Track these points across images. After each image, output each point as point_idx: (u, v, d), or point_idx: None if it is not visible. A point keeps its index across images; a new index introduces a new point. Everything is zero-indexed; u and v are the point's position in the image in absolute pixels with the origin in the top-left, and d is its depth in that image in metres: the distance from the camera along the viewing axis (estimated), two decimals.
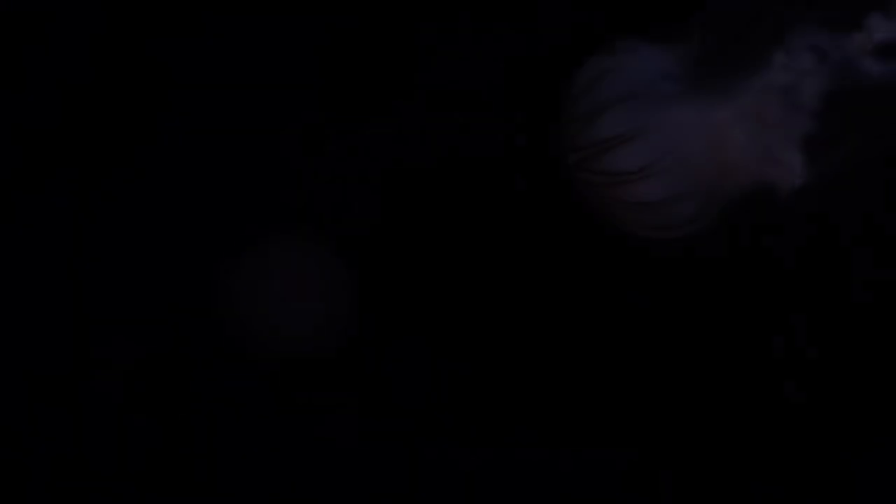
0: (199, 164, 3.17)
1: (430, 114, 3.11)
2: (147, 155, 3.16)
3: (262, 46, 3.11)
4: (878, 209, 2.86)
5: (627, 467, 3.07)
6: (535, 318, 3.10)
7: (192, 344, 3.19)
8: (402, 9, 3.04)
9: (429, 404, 3.16)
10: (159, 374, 3.19)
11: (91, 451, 3.20)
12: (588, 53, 2.09)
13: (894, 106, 1.96)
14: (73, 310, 3.19)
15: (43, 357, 3.20)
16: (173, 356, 3.18)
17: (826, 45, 1.93)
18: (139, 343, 3.19)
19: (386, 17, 3.06)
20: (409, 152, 3.13)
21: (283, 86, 3.14)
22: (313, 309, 3.14)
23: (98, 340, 3.20)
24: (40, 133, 3.16)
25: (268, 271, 3.12)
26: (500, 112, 2.78)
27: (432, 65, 3.12)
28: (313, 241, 3.15)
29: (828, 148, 2.00)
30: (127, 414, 3.17)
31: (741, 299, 2.94)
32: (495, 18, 3.03)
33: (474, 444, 3.12)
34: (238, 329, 3.12)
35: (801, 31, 1.94)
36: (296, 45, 3.10)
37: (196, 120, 3.13)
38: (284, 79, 3.14)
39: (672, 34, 2.06)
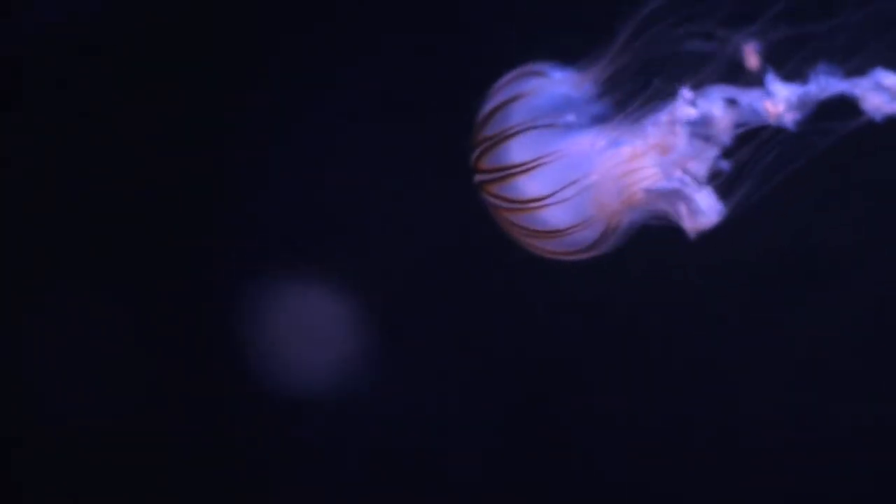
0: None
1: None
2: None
3: None
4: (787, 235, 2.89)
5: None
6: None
7: (209, 378, 3.18)
8: None
9: (438, 448, 3.15)
10: (174, 405, 3.17)
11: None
12: (503, 74, 2.09)
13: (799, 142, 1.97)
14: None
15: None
16: (189, 389, 3.17)
17: (734, 92, 1.95)
18: (156, 374, 3.18)
19: None
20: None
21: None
22: (330, 350, 3.13)
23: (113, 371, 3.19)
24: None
25: (288, 312, 3.12)
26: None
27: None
28: (334, 285, 3.15)
29: (736, 180, 2.01)
30: (137, 448, 3.16)
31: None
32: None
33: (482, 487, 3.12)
34: (255, 365, 3.11)
35: (711, 76, 1.95)
36: None
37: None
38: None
39: (587, 62, 2.06)
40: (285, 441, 3.16)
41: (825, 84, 1.91)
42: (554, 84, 2.01)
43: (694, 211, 1.95)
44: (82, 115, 3.20)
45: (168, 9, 3.16)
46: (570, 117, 1.97)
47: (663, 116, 1.94)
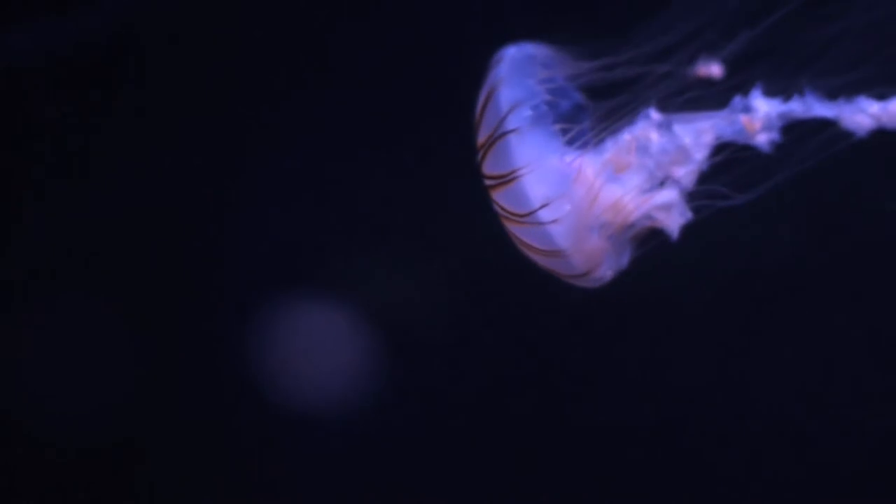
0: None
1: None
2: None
3: None
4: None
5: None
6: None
7: (220, 395, 3.19)
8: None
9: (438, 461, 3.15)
10: (177, 416, 3.17)
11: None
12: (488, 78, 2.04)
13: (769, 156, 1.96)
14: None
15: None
16: (193, 401, 3.17)
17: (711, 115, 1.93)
18: (162, 386, 3.18)
19: None
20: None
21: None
22: (337, 367, 3.13)
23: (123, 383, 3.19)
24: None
25: (297, 329, 3.12)
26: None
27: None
28: (344, 304, 3.14)
29: (732, 182, 1.99)
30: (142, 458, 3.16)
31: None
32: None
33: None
34: (265, 381, 3.11)
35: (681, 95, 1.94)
36: None
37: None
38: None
39: (574, 57, 2.03)
40: (290, 453, 3.16)
41: (808, 106, 1.89)
42: (527, 75, 1.96)
43: (666, 210, 1.93)
44: (83, 118, 3.20)
45: (168, 12, 3.17)
46: (541, 109, 1.92)
47: (626, 135, 1.92)
